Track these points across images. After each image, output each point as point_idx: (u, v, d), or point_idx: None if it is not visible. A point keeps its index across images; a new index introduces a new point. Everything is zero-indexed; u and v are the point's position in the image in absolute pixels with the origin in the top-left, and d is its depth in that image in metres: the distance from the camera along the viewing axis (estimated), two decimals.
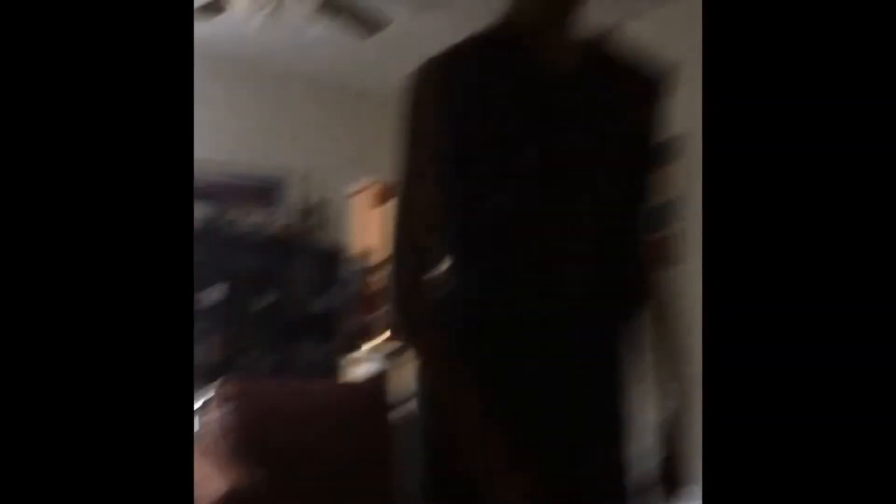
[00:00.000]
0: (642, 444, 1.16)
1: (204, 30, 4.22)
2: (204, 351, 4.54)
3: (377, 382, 3.76)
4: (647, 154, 1.15)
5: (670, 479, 1.13)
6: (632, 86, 1.13)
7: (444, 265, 1.10)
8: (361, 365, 6.09)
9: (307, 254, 4.96)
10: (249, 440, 2.66)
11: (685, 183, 4.07)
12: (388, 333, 7.13)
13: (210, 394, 2.79)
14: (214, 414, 2.74)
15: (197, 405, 3.09)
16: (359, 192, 5.29)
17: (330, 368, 4.87)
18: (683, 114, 4.47)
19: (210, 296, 4.50)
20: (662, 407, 1.15)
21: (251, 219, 4.81)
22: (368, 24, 3.55)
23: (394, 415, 2.98)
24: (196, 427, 3.19)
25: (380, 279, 7.75)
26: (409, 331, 1.07)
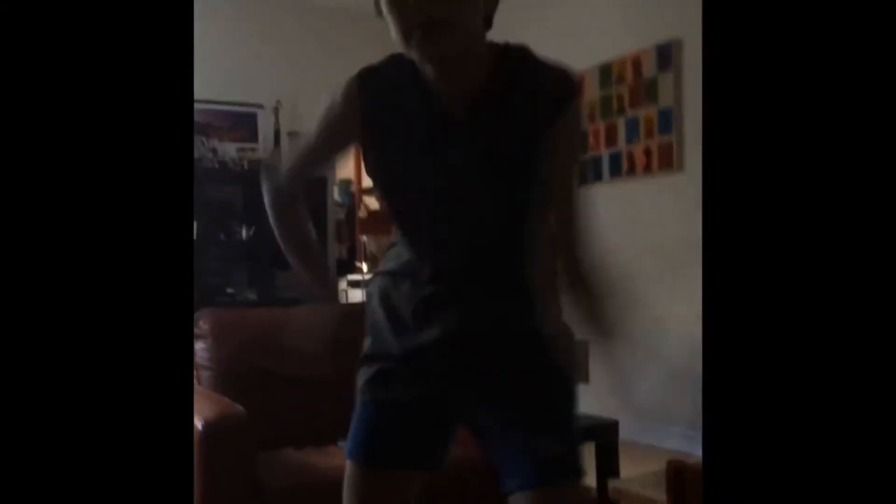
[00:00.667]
0: None
1: None
2: None
3: (356, 310, 3.75)
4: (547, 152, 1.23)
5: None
6: (533, 106, 1.20)
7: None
8: (343, 294, 6.07)
9: None
10: (229, 371, 2.64)
11: (677, 93, 4.03)
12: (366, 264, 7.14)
13: None
14: (193, 346, 2.71)
15: None
16: None
17: (310, 299, 4.85)
18: (675, 19, 4.32)
19: None
20: None
21: (228, 150, 4.71)
22: None
23: None
24: None
25: (360, 209, 7.70)
26: None
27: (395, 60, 1.21)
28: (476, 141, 1.20)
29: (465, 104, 1.19)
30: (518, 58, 1.22)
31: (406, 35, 1.12)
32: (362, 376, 1.33)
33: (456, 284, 1.25)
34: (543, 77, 1.21)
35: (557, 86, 1.21)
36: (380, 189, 1.30)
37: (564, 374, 1.29)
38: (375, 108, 1.22)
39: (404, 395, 1.29)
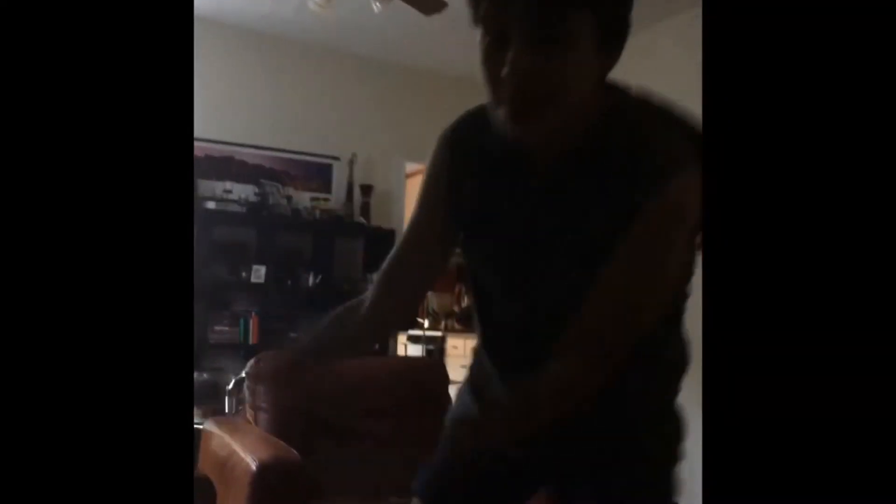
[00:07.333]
0: None
1: (263, 8, 4.23)
2: (247, 328, 4.58)
3: (416, 364, 3.76)
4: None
5: None
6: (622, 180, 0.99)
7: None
8: (402, 347, 6.08)
9: (356, 235, 4.96)
10: (286, 416, 2.66)
11: None
12: (427, 319, 7.15)
13: (247, 369, 2.80)
14: (251, 390, 2.75)
15: (234, 381, 3.11)
16: (411, 175, 5.27)
17: (372, 350, 4.88)
18: None
19: (258, 273, 4.54)
20: None
21: (302, 199, 4.82)
22: (427, 5, 3.51)
23: (431, 396, 2.96)
24: (233, 404, 3.21)
25: None
26: None
27: (483, 110, 1.05)
28: (555, 212, 1.05)
29: (549, 167, 1.05)
30: (627, 114, 1.02)
31: (495, 102, 0.98)
32: (447, 428, 1.35)
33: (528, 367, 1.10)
34: (653, 142, 0.99)
35: (662, 155, 0.97)
36: (463, 250, 1.20)
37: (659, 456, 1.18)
38: (463, 163, 1.14)
39: (480, 454, 1.24)
